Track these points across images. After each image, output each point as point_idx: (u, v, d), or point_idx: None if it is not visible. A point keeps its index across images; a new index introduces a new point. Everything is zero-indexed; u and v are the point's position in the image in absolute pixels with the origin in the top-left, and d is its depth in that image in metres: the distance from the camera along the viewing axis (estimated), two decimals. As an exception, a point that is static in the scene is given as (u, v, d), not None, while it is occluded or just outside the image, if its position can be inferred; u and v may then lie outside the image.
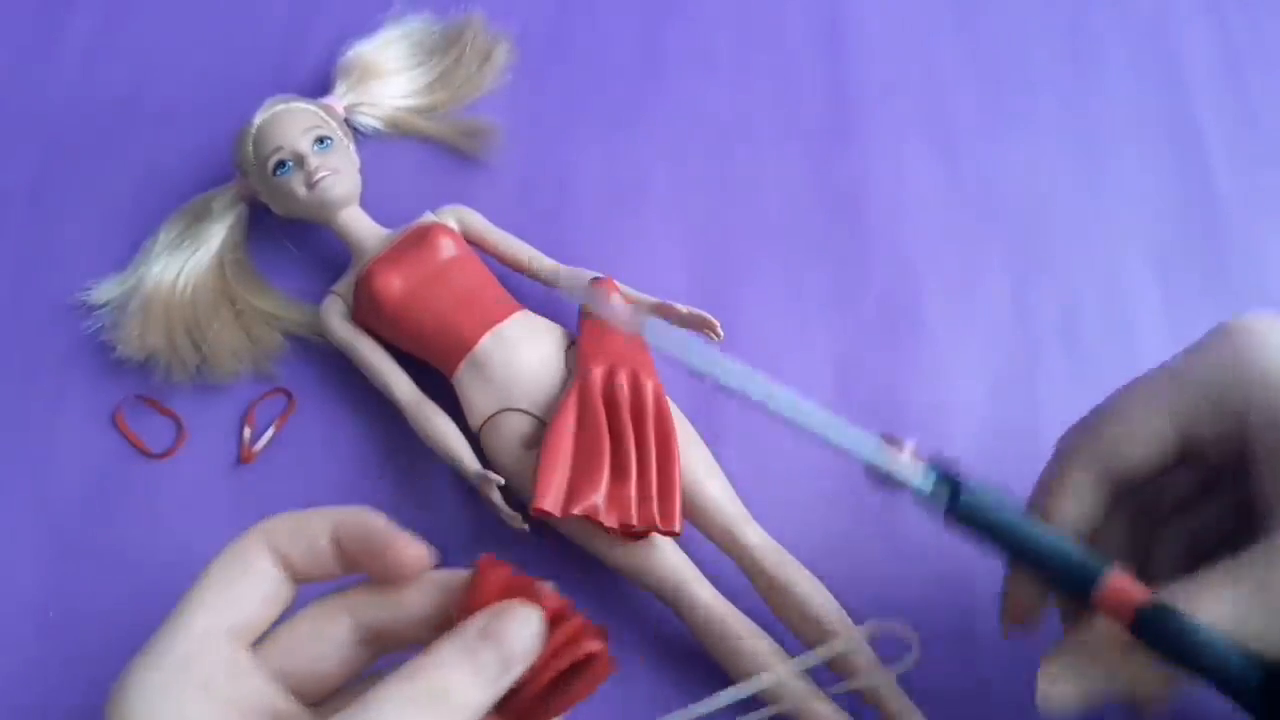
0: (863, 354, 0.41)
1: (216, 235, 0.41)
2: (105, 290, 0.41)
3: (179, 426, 0.39)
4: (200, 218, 0.42)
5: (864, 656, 0.32)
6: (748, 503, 0.35)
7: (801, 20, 0.48)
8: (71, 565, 0.37)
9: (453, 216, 0.40)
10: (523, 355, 0.36)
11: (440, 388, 0.37)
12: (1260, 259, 0.42)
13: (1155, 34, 0.48)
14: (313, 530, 0.24)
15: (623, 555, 0.34)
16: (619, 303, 0.37)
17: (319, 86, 0.45)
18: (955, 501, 0.26)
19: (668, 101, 0.46)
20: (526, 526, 0.35)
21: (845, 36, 0.48)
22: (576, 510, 0.32)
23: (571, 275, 0.39)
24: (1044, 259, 0.42)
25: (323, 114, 0.41)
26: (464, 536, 0.37)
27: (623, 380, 0.35)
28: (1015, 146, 0.45)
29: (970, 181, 0.44)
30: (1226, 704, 0.25)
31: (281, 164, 0.39)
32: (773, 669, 0.32)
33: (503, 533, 0.35)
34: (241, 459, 0.39)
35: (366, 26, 0.46)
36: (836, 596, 0.34)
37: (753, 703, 0.26)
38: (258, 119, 0.40)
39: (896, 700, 0.32)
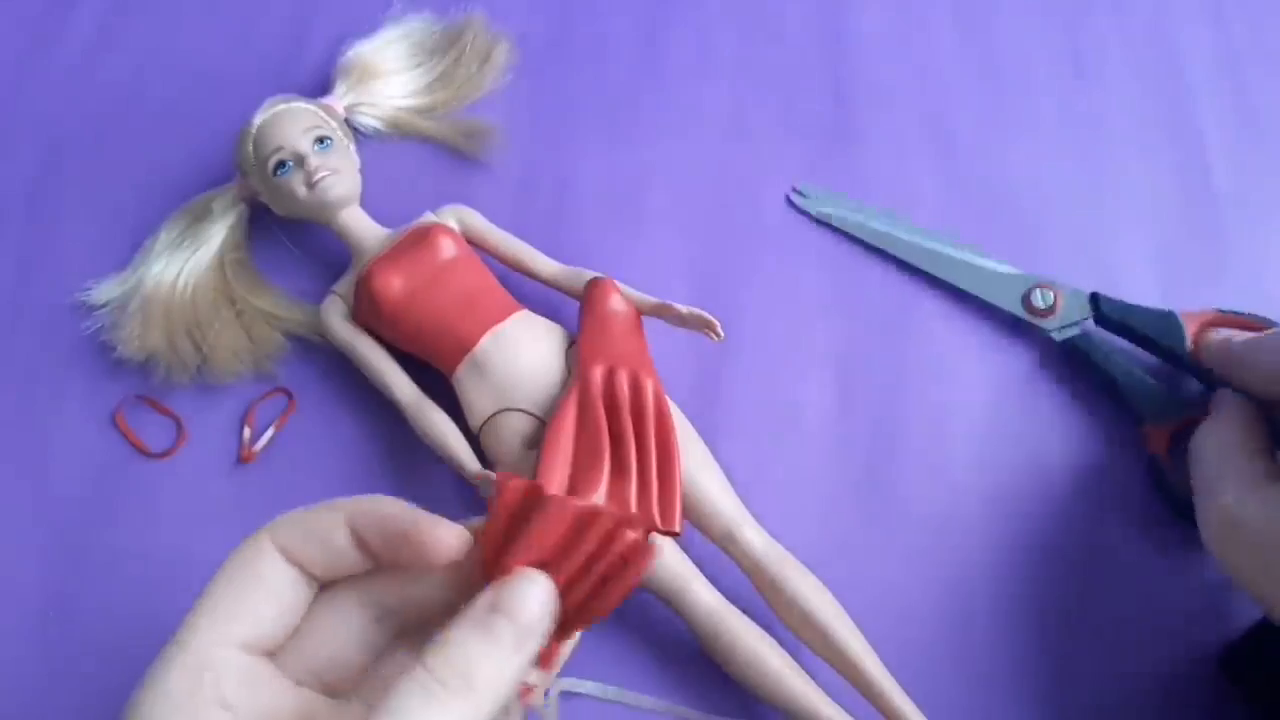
0: (863, 354, 0.41)
1: (216, 235, 0.41)
2: (105, 290, 0.41)
3: (179, 426, 0.39)
4: (200, 218, 0.42)
5: None
6: (748, 503, 0.35)
7: (801, 20, 0.48)
8: (71, 565, 0.37)
9: (453, 216, 0.40)
10: (523, 355, 0.36)
11: (440, 388, 0.37)
12: (1260, 259, 0.42)
13: (1155, 34, 0.48)
14: (324, 527, 0.23)
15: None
16: (619, 303, 0.37)
17: (319, 86, 0.45)
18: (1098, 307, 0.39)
19: (668, 101, 0.46)
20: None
21: (845, 36, 0.48)
22: None
23: (571, 275, 0.39)
24: (1044, 259, 0.42)
25: (323, 114, 0.41)
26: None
27: (623, 380, 0.35)
28: (1015, 146, 0.45)
29: (970, 181, 0.44)
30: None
31: (282, 164, 0.39)
32: (773, 669, 0.32)
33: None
34: (241, 459, 0.39)
35: (366, 26, 0.46)
36: (837, 596, 0.34)
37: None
38: (258, 119, 0.40)
39: (897, 699, 0.32)
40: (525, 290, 0.40)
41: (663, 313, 0.37)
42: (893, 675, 0.32)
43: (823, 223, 0.43)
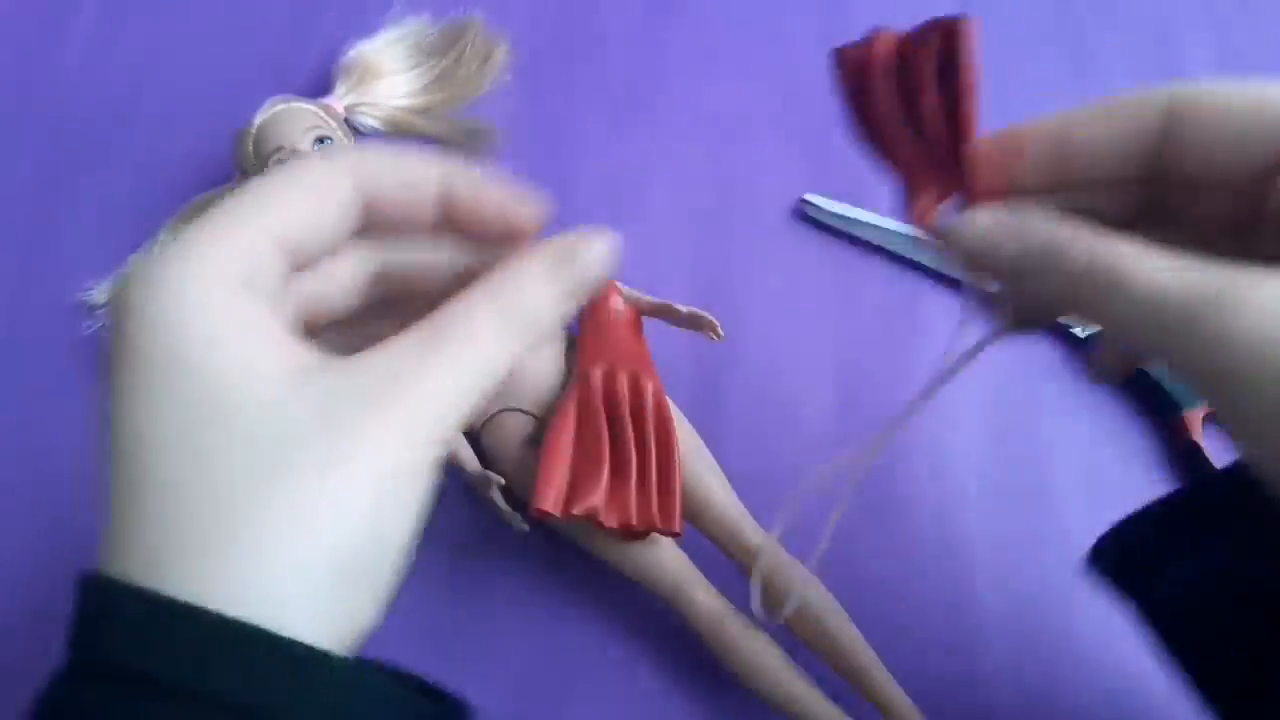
0: (863, 354, 0.41)
1: (216, 235, 0.41)
2: (105, 290, 0.41)
3: (179, 426, 0.39)
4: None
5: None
6: (748, 503, 0.35)
7: (801, 20, 0.48)
8: (71, 565, 0.37)
9: (453, 216, 0.40)
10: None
11: (440, 388, 0.37)
12: (1260, 259, 0.42)
13: (1155, 34, 0.48)
14: (417, 174, 0.22)
15: (624, 556, 0.34)
16: (619, 303, 0.37)
17: (319, 86, 0.45)
18: None
19: (668, 101, 0.46)
20: (526, 527, 0.35)
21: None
22: (577, 511, 0.32)
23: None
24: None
25: (323, 114, 0.41)
26: (464, 536, 0.37)
27: (623, 381, 0.35)
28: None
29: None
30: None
31: (282, 164, 0.39)
32: (773, 669, 0.32)
33: (503, 532, 0.35)
34: (241, 459, 0.39)
35: (366, 26, 0.46)
36: (837, 597, 0.34)
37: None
38: (258, 119, 0.40)
39: (896, 699, 0.32)
40: (525, 290, 0.40)
41: (663, 313, 0.37)
42: (893, 675, 0.32)
43: (823, 222, 0.43)
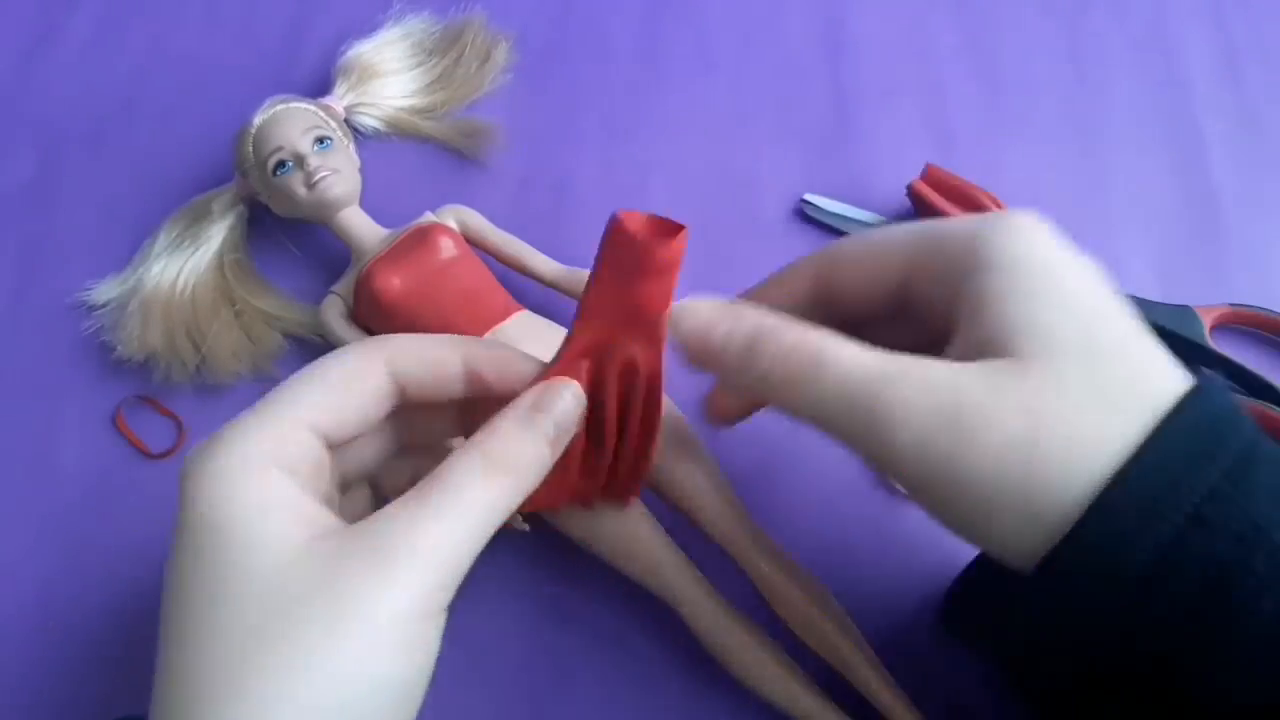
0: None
1: (216, 235, 0.41)
2: (105, 290, 0.41)
3: (179, 426, 0.39)
4: (200, 218, 0.42)
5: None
6: (748, 503, 0.35)
7: (801, 20, 0.48)
8: (72, 565, 0.37)
9: (453, 216, 0.40)
10: (523, 355, 0.36)
11: (440, 388, 0.37)
12: (1260, 259, 0.42)
13: (1155, 34, 0.48)
14: (442, 356, 0.26)
15: (624, 556, 0.34)
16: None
17: (319, 86, 0.45)
18: None
19: (668, 101, 0.46)
20: (526, 527, 0.35)
21: (845, 36, 0.48)
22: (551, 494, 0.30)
23: (571, 276, 0.39)
24: (1044, 259, 0.42)
25: (323, 114, 0.41)
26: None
27: (611, 371, 0.34)
28: (1015, 146, 0.45)
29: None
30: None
31: (281, 164, 0.39)
32: (773, 671, 0.32)
33: (502, 532, 0.35)
34: (241, 459, 0.39)
35: (366, 26, 0.46)
36: (837, 596, 0.34)
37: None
38: (258, 119, 0.40)
39: (896, 701, 0.32)
40: (525, 290, 0.40)
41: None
42: (893, 676, 0.32)
43: (823, 222, 0.43)
